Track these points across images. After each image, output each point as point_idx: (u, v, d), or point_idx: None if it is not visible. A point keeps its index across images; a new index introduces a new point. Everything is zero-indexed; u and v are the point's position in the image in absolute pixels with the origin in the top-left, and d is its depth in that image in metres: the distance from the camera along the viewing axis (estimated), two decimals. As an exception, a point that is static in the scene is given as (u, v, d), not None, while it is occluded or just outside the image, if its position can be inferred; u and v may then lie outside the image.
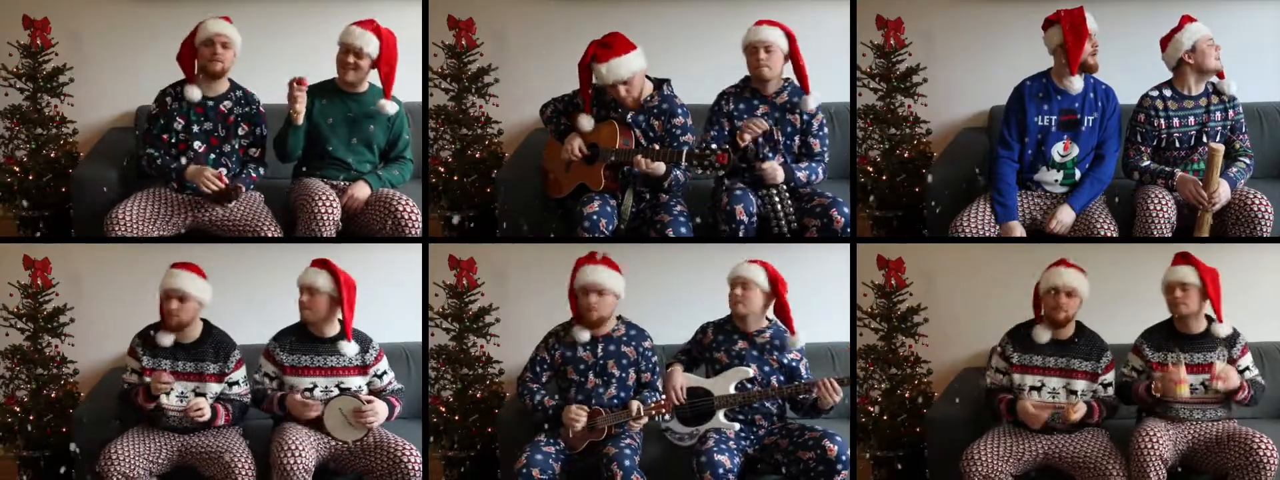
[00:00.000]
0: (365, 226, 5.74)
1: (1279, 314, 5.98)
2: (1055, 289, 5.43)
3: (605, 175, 5.67)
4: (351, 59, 5.71)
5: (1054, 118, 5.67)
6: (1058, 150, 5.69)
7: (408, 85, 5.97)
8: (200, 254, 5.63)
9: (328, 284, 5.47)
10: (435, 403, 5.99)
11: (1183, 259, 5.44)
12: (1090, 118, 5.66)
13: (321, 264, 5.50)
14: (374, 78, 5.80)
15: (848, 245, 5.83)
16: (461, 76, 6.21)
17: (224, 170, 5.68)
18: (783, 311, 5.51)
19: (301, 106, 5.65)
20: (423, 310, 5.90)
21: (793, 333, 5.51)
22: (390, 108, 5.77)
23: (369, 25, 5.71)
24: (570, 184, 5.77)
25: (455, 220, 6.17)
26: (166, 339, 5.47)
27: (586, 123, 5.71)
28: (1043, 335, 5.47)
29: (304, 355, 5.51)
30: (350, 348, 5.51)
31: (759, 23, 5.64)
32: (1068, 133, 5.67)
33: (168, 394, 5.40)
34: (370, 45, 5.69)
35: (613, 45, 5.60)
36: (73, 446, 5.68)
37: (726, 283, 5.50)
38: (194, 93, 5.68)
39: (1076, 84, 5.64)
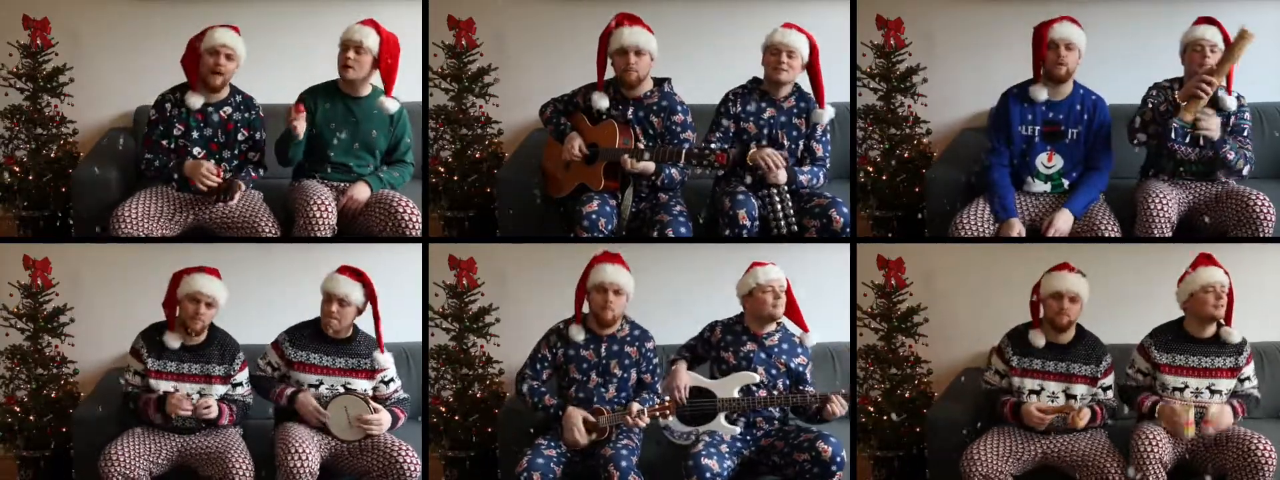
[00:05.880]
0: (366, 228, 5.73)
1: (1279, 314, 5.99)
2: (1058, 293, 5.42)
3: (605, 175, 5.68)
4: (351, 54, 5.69)
5: (1037, 128, 5.67)
6: (1042, 161, 5.69)
7: (408, 85, 5.97)
8: (200, 254, 5.63)
9: (360, 297, 5.48)
10: (435, 403, 5.99)
11: (1208, 260, 5.42)
12: (1075, 130, 5.67)
13: (355, 275, 5.50)
14: (375, 80, 5.79)
15: (848, 245, 5.83)
16: (461, 76, 6.21)
17: (223, 167, 5.69)
18: (793, 312, 5.52)
19: (301, 127, 5.64)
20: (423, 310, 5.90)
21: (805, 330, 5.53)
22: (391, 106, 5.76)
23: (369, 23, 5.70)
24: (570, 184, 5.77)
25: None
26: (174, 341, 5.47)
27: (601, 100, 5.69)
28: (1039, 339, 5.47)
29: (313, 353, 5.52)
30: (387, 360, 5.55)
31: (786, 26, 5.64)
32: (1051, 144, 5.67)
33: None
34: (369, 39, 5.67)
35: (637, 19, 5.63)
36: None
37: (747, 286, 5.50)
38: (195, 100, 5.67)
39: (1062, 93, 5.65)
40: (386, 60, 5.72)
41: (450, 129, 6.20)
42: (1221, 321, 5.43)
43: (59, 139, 6.12)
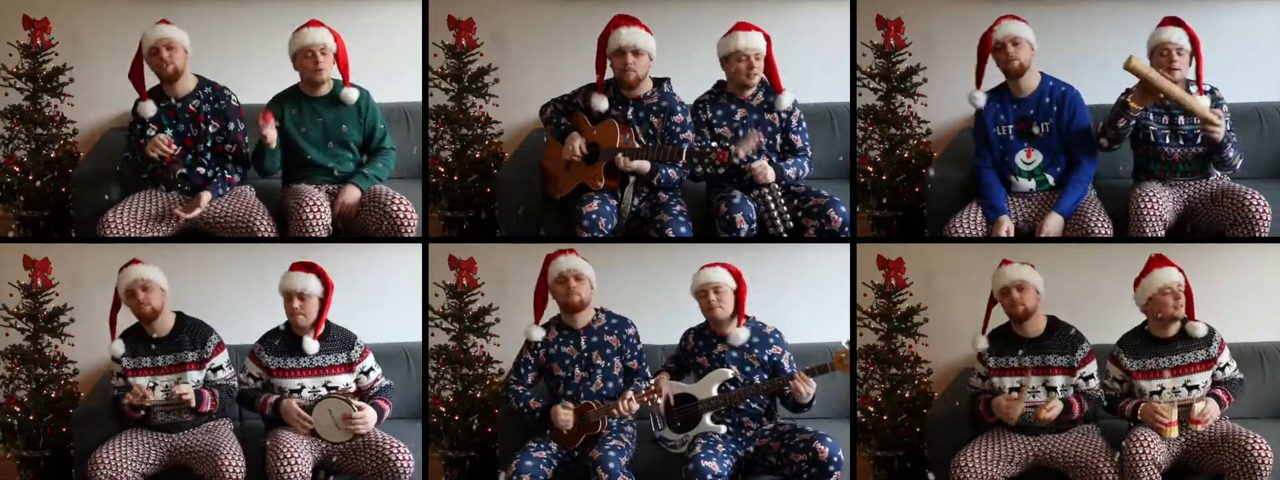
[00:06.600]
0: (362, 228, 5.73)
1: (1279, 314, 5.98)
2: (1005, 287, 5.44)
3: (605, 174, 5.68)
4: (320, 56, 5.67)
5: (1010, 127, 5.69)
6: (1021, 158, 5.71)
7: (408, 85, 5.98)
8: (197, 254, 5.64)
9: (318, 288, 5.48)
10: (435, 403, 6.00)
11: (1162, 261, 5.42)
12: (1045, 124, 5.67)
13: (307, 268, 5.50)
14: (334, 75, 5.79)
15: (848, 245, 5.82)
16: (461, 76, 6.22)
17: (201, 169, 5.68)
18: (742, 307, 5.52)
19: (273, 134, 5.64)
20: (423, 310, 5.90)
21: (742, 322, 5.48)
22: (352, 95, 5.75)
23: (315, 25, 5.68)
24: (570, 184, 5.77)
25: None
26: (118, 347, 5.48)
27: (600, 102, 5.70)
28: (981, 342, 5.49)
29: (289, 357, 5.52)
30: (313, 346, 5.52)
31: (738, 27, 5.64)
32: (1026, 141, 5.68)
33: (151, 397, 5.40)
34: (330, 40, 5.68)
35: (635, 20, 5.64)
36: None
37: (694, 295, 5.51)
38: (147, 109, 5.68)
39: (1026, 89, 5.65)
40: (342, 55, 5.73)
41: (450, 129, 6.20)
42: (1184, 318, 5.42)
43: (59, 139, 6.13)
